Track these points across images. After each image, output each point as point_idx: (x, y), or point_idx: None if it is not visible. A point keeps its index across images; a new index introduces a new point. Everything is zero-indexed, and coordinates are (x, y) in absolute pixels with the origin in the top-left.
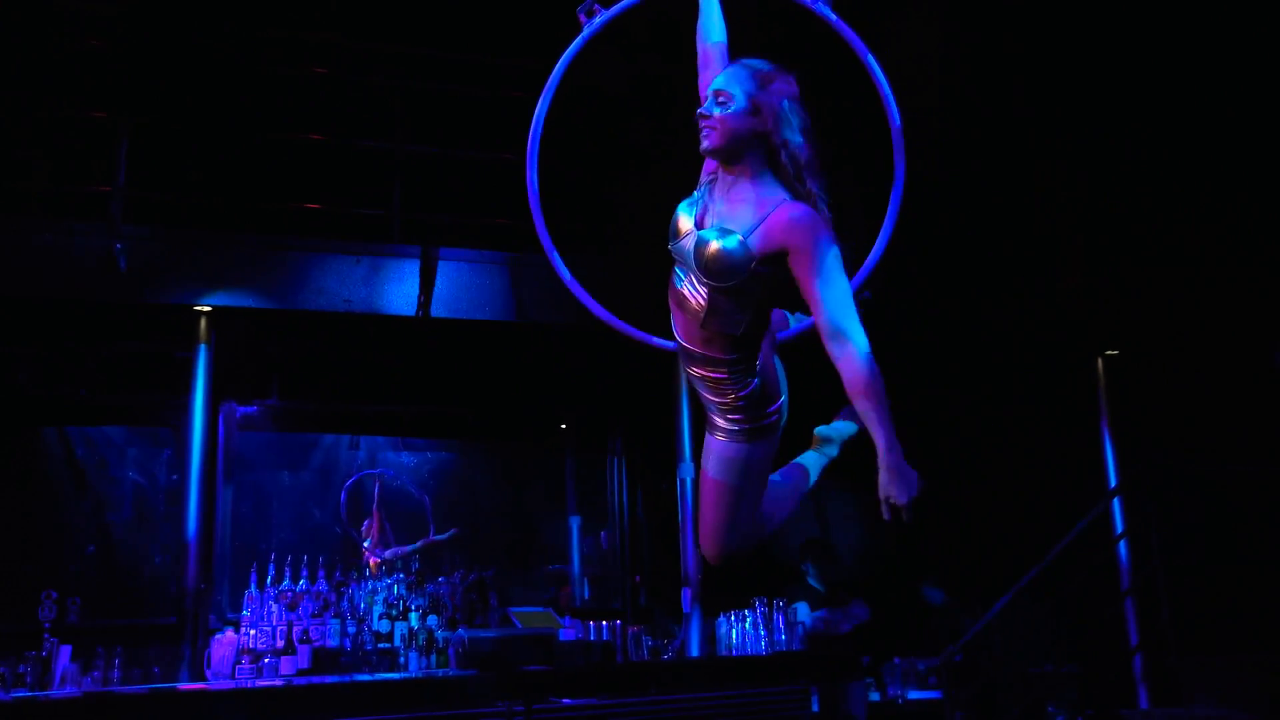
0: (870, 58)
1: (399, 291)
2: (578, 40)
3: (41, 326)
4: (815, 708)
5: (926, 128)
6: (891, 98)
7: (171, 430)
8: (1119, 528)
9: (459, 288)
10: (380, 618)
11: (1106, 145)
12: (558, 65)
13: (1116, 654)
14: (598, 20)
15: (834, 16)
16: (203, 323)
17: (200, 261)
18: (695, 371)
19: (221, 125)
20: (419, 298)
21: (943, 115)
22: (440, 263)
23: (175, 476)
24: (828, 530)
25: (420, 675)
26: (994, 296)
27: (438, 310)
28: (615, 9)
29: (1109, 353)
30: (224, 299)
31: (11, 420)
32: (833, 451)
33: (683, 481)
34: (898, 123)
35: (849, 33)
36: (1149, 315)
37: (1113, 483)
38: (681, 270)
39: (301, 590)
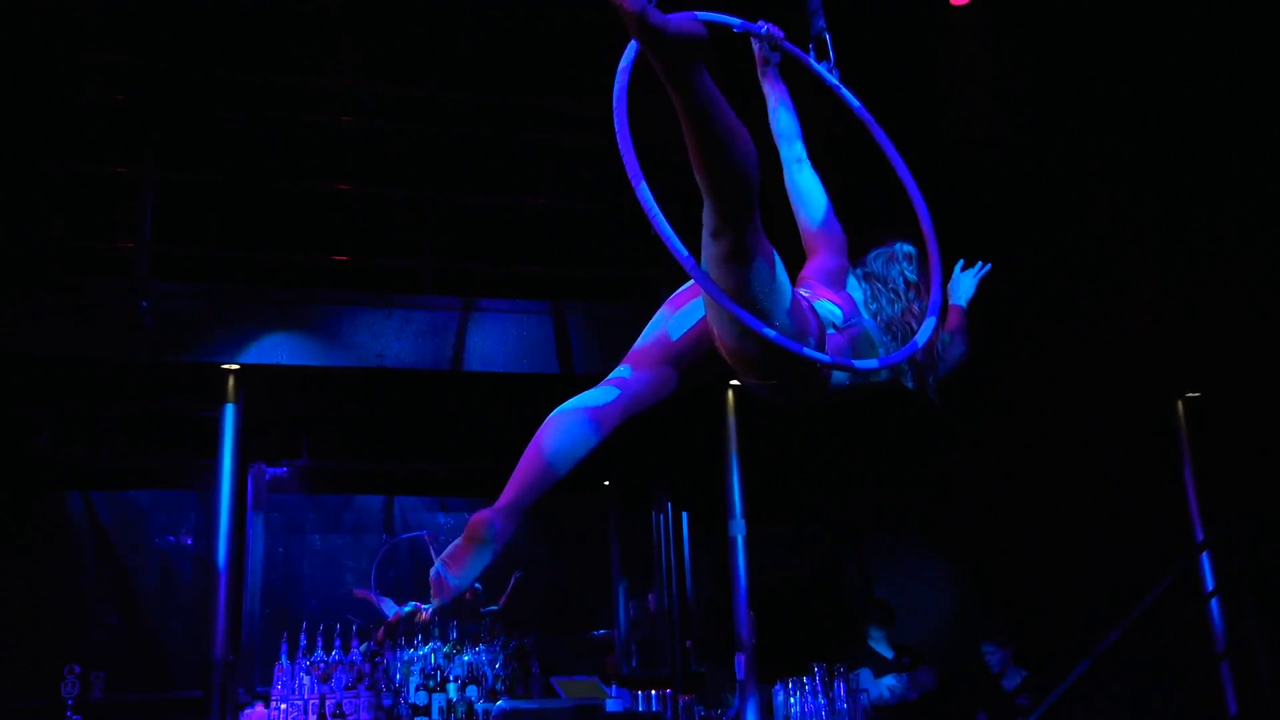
0: (892, 149)
1: (432, 345)
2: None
3: (64, 387)
4: None
5: (992, 163)
6: (919, 194)
7: (198, 493)
8: (1209, 584)
9: (496, 340)
10: (417, 689)
11: (1183, 174)
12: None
13: None
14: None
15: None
16: (230, 381)
17: (227, 318)
18: None
19: (246, 177)
20: (453, 351)
21: (1007, 149)
22: (476, 314)
23: (202, 542)
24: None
25: None
26: (1065, 337)
27: (474, 364)
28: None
29: (1190, 395)
30: (252, 356)
31: (33, 484)
32: None
33: (734, 539)
34: (927, 221)
35: (868, 117)
36: (1232, 353)
37: (1199, 536)
38: None
39: (334, 661)
